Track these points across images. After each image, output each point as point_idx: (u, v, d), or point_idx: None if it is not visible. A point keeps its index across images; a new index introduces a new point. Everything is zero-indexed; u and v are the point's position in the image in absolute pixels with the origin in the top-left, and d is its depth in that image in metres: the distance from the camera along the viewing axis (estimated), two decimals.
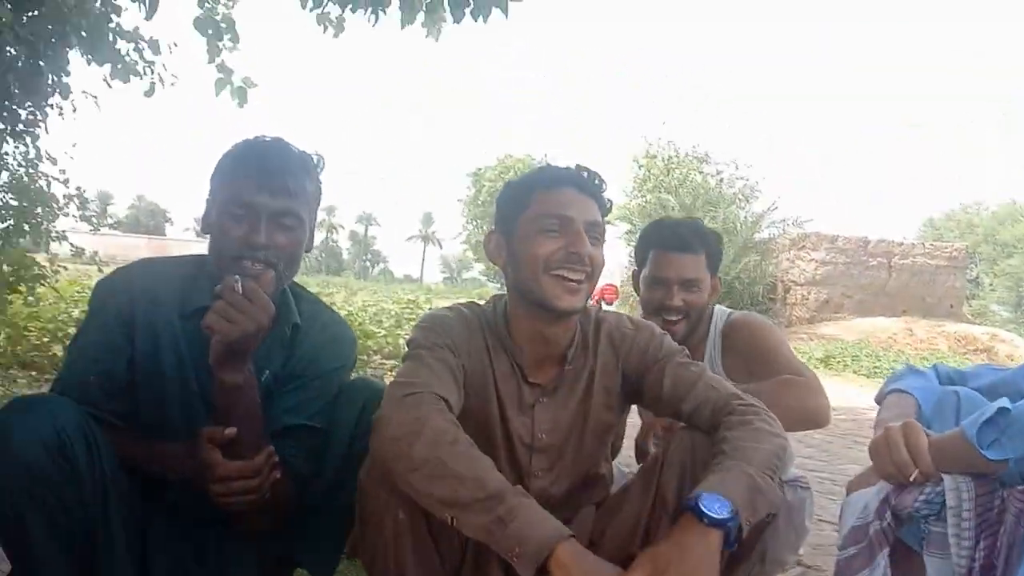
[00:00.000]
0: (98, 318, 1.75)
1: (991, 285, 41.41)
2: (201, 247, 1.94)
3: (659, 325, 2.21)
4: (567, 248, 1.66)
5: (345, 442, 1.76)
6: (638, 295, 2.52)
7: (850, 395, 9.85)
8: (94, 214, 7.18)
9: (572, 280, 1.67)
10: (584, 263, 1.67)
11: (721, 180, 21.75)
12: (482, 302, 1.88)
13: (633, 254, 2.68)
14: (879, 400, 1.82)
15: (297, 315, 1.85)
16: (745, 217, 20.46)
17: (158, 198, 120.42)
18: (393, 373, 6.19)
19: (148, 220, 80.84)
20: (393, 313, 12.56)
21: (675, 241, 2.40)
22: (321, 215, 1.94)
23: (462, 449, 1.43)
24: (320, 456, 1.78)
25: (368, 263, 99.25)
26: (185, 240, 49.64)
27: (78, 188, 6.68)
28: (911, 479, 1.48)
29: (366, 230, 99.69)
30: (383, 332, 8.93)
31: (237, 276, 1.59)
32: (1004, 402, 1.40)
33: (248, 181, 1.71)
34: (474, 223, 43.80)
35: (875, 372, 13.01)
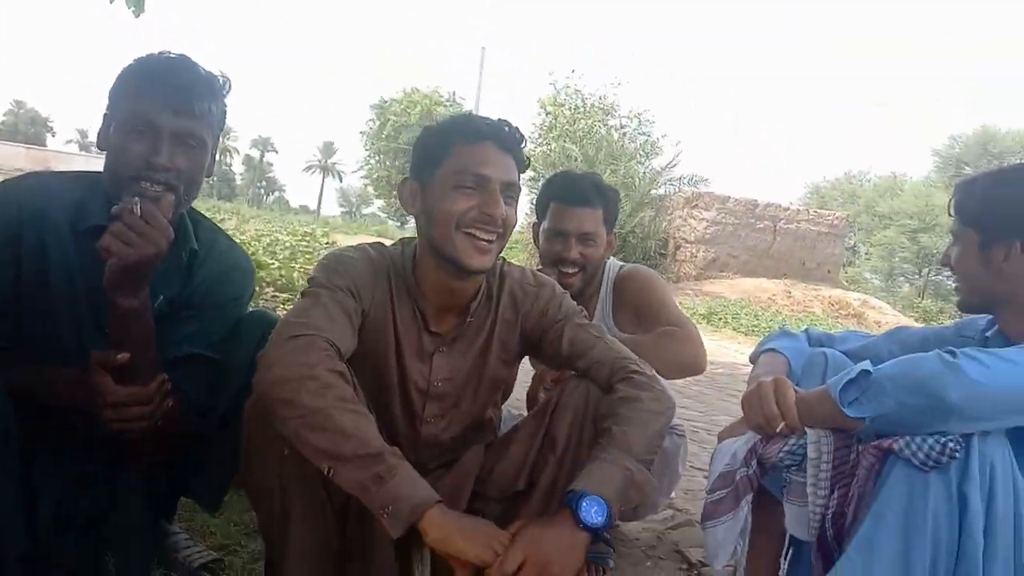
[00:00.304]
0: None
1: (867, 254, 43.37)
2: (85, 162, 1.85)
3: (556, 277, 2.28)
4: (481, 208, 1.64)
5: (241, 375, 1.69)
6: (537, 246, 2.57)
7: (729, 351, 10.30)
8: None
9: (483, 240, 1.65)
10: (497, 224, 1.66)
11: (624, 134, 22.00)
12: (389, 243, 1.87)
13: (534, 204, 2.72)
14: (753, 359, 1.92)
15: (195, 241, 1.82)
16: (644, 173, 20.80)
17: (39, 105, 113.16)
18: (287, 307, 6.10)
19: (27, 128, 75.41)
20: (288, 245, 12.29)
21: (575, 195, 2.45)
22: None
23: (349, 405, 1.43)
24: (215, 387, 1.76)
25: (263, 191, 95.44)
26: (68, 153, 46.72)
27: None
28: (777, 431, 1.59)
29: (262, 155, 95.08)
30: (277, 264, 8.71)
31: (136, 198, 1.54)
32: (866, 365, 1.50)
33: (152, 98, 1.65)
34: (376, 157, 42.67)
35: (753, 330, 13.62)
